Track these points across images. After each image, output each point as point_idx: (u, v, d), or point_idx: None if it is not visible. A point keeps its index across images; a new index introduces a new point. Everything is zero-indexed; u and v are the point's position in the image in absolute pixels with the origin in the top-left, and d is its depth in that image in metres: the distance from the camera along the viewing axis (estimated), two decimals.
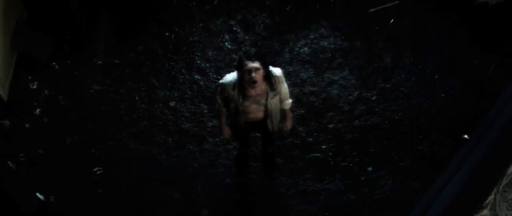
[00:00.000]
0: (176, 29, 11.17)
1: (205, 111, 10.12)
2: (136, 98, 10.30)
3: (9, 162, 9.33)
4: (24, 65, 10.54)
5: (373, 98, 10.22)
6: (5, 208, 8.60)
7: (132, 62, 10.74)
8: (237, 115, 7.97)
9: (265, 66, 7.45)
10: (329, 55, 10.74)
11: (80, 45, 10.90)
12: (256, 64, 7.31)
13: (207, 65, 10.67)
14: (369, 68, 10.57)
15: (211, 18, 11.31)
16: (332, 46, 10.85)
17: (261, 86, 7.60)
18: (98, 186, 9.41)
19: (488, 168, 5.30)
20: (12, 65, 10.44)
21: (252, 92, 7.64)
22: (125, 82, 10.49)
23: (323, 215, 9.16)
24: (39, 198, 9.00)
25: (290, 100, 8.17)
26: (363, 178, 9.42)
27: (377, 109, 10.11)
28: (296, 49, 10.85)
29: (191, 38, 11.05)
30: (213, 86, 10.24)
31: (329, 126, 9.94)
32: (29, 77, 10.46)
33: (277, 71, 7.75)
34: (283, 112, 8.29)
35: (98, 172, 9.52)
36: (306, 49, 10.85)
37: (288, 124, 8.47)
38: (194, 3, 11.54)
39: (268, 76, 7.59)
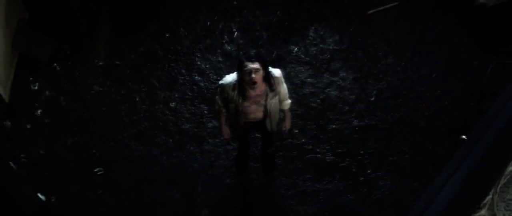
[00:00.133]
0: (177, 31, 11.19)
1: (205, 112, 10.14)
2: (137, 99, 10.33)
3: (10, 162, 9.32)
4: (25, 66, 10.56)
5: (372, 99, 10.25)
6: (6, 209, 8.60)
7: (133, 63, 10.77)
8: (237, 116, 7.99)
9: (265, 67, 7.49)
10: (328, 56, 10.77)
11: (81, 46, 10.93)
12: (256, 65, 7.35)
13: (207, 66, 10.69)
14: (368, 69, 10.61)
15: (211, 20, 11.34)
16: (331, 47, 10.88)
17: (260, 87, 7.63)
18: (99, 187, 9.42)
19: (486, 168, 5.31)
20: (13, 66, 10.45)
21: (252, 93, 7.67)
22: (126, 83, 10.52)
23: (323, 215, 9.17)
24: (40, 199, 9.01)
25: (289, 101, 8.21)
26: (362, 178, 9.44)
27: (376, 110, 10.14)
28: (296, 50, 10.88)
29: (191, 39, 11.08)
30: (213, 87, 10.25)
31: (328, 126, 9.97)
32: (30, 78, 10.48)
33: (276, 72, 7.79)
34: (282, 112, 8.33)
35: (99, 173, 9.54)
36: (305, 50, 10.88)
37: (287, 124, 8.51)
38: (195, 5, 11.57)
39: (268, 77, 7.61)
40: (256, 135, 9.40)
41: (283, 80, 7.93)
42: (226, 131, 8.52)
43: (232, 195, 9.45)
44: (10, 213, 8.62)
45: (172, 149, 9.80)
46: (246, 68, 7.37)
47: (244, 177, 9.56)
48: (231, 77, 7.75)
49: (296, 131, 9.76)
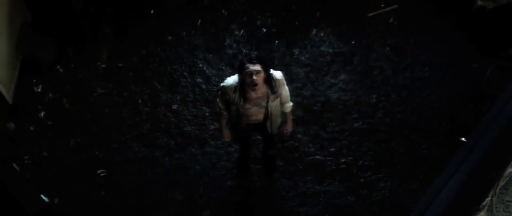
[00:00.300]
0: (179, 33, 11.23)
1: (207, 114, 10.18)
2: (139, 101, 10.36)
3: (14, 164, 9.33)
4: (28, 68, 10.60)
5: (372, 101, 10.29)
6: (10, 210, 8.64)
7: (135, 66, 10.81)
8: (239, 118, 8.02)
9: (266, 69, 7.52)
10: (329, 58, 10.82)
11: (84, 48, 10.96)
12: (257, 67, 7.38)
13: (209, 68, 10.73)
14: (368, 71, 10.64)
15: (213, 22, 11.38)
16: (331, 50, 10.92)
17: (262, 89, 7.66)
18: (101, 188, 9.45)
19: (485, 170, 5.35)
20: (17, 68, 10.48)
21: (253, 94, 7.70)
22: (128, 86, 10.56)
23: None
24: (43, 200, 8.99)
25: (291, 103, 8.23)
26: (362, 180, 9.47)
27: (376, 112, 10.17)
28: (297, 52, 10.92)
29: (193, 42, 11.11)
30: (214, 89, 10.28)
31: (329, 128, 10.00)
32: (34, 80, 10.51)
33: (277, 74, 7.81)
34: (284, 115, 8.35)
35: (101, 174, 9.57)
36: (306, 52, 10.92)
37: (289, 127, 8.54)
38: (197, 8, 11.62)
39: (269, 79, 7.64)
40: (258, 137, 9.43)
41: (284, 82, 7.94)
42: (227, 134, 8.54)
43: (233, 196, 9.46)
44: (13, 214, 8.64)
45: (174, 151, 9.82)
46: (247, 70, 7.39)
47: (246, 178, 9.59)
48: (232, 79, 7.77)
49: (297, 133, 9.77)
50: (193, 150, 9.84)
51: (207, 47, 11.05)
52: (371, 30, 11.22)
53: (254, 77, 7.39)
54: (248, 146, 9.18)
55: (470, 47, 10.84)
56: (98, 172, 9.60)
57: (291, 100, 8.25)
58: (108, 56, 10.89)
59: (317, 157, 9.74)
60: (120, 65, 10.84)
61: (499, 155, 5.44)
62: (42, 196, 9.06)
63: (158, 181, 9.52)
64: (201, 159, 9.75)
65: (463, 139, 9.31)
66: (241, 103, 7.78)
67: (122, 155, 9.80)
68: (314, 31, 11.22)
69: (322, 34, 11.15)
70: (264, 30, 11.28)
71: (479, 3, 10.86)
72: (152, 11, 11.60)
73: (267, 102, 7.86)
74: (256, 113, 8.00)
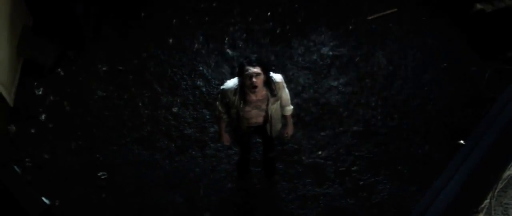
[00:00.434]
0: (179, 36, 11.26)
1: (207, 117, 10.19)
2: (140, 104, 10.38)
3: (15, 166, 9.33)
4: (29, 71, 10.62)
5: (372, 104, 10.31)
6: (11, 212, 8.67)
7: (136, 69, 10.83)
8: (239, 121, 8.04)
9: (266, 72, 7.54)
10: (328, 62, 10.84)
11: (85, 51, 10.98)
12: (256, 70, 7.40)
13: (209, 71, 10.75)
14: (368, 74, 10.67)
15: (213, 26, 11.40)
16: (331, 53, 10.95)
17: (261, 91, 7.68)
18: (102, 191, 9.47)
19: (484, 173, 5.38)
20: (18, 71, 10.51)
21: (253, 97, 7.72)
22: (129, 88, 10.58)
23: None
24: (44, 202, 9.03)
25: (291, 107, 8.24)
26: (361, 182, 9.49)
27: (375, 115, 10.20)
28: (296, 55, 10.94)
29: (194, 45, 11.14)
30: (215, 92, 10.31)
31: (328, 131, 10.02)
32: (35, 83, 10.54)
33: (277, 77, 7.82)
34: (284, 118, 8.36)
35: (102, 177, 9.59)
36: (306, 56, 10.95)
37: (290, 131, 8.54)
38: (197, 11, 11.65)
39: (269, 82, 7.66)
40: (257, 140, 9.45)
41: (284, 85, 7.96)
42: (226, 138, 8.56)
43: (233, 199, 9.48)
44: None
45: (175, 153, 9.84)
46: (247, 72, 7.41)
47: (246, 181, 9.60)
48: (232, 82, 7.79)
49: (297, 136, 9.77)
50: (193, 152, 9.85)
51: (207, 50, 11.07)
52: (371, 33, 11.25)
53: (254, 79, 7.40)
54: (248, 149, 9.19)
55: (469, 50, 10.88)
56: (99, 174, 9.61)
57: (291, 103, 8.25)
58: (109, 59, 10.90)
59: (317, 159, 9.76)
60: (120, 68, 10.86)
61: (497, 158, 5.48)
62: (43, 199, 9.08)
63: (159, 184, 9.53)
64: (201, 162, 9.76)
65: (462, 141, 9.31)
66: (241, 105, 7.80)
67: (123, 158, 9.81)
68: (313, 34, 11.24)
69: (321, 37, 11.18)
70: (264, 33, 11.30)
71: (478, 6, 10.88)
72: (152, 15, 11.62)
73: (267, 105, 7.88)
74: (256, 116, 8.02)
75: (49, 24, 10.72)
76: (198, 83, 10.62)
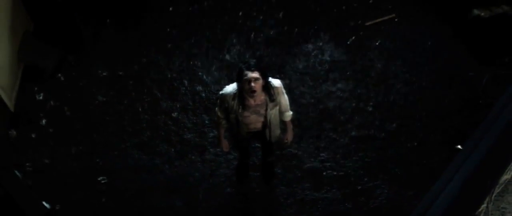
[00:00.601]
0: (179, 42, 11.30)
1: (207, 122, 10.22)
2: (140, 109, 10.42)
3: (16, 171, 9.26)
4: (30, 76, 10.66)
5: (370, 109, 10.35)
6: None
7: (136, 74, 10.88)
8: (238, 126, 8.06)
9: (264, 77, 7.57)
10: (327, 67, 10.88)
11: (85, 57, 11.01)
12: (255, 74, 7.43)
13: (208, 77, 10.79)
14: (366, 80, 10.71)
15: (212, 31, 11.45)
16: (329, 59, 10.99)
17: (260, 96, 7.71)
18: (102, 195, 9.48)
19: (481, 177, 5.39)
20: (19, 76, 10.55)
21: (252, 101, 7.75)
22: (129, 94, 10.62)
23: None
24: (45, 207, 9.01)
25: (291, 112, 8.24)
26: (359, 187, 9.51)
27: (373, 120, 10.22)
28: (295, 61, 10.99)
29: (193, 50, 11.18)
30: (214, 97, 10.32)
31: (327, 136, 10.05)
32: (35, 88, 10.58)
33: (276, 82, 7.85)
34: (283, 124, 8.38)
35: (102, 181, 9.61)
36: (304, 61, 10.99)
37: (289, 137, 8.54)
38: (196, 17, 11.69)
39: (268, 87, 7.69)
40: (256, 145, 9.46)
41: (283, 90, 7.98)
42: (225, 144, 8.59)
43: (232, 203, 9.50)
44: None
45: (174, 158, 9.87)
46: (245, 77, 7.44)
47: (244, 185, 9.62)
48: (231, 87, 7.82)
49: (295, 141, 9.75)
50: (193, 157, 9.88)
51: (207, 55, 11.11)
52: (369, 39, 11.29)
53: (252, 84, 7.43)
54: (247, 154, 9.22)
55: (466, 56, 10.91)
56: (99, 179, 9.64)
57: (290, 108, 8.26)
58: (109, 64, 10.93)
59: (315, 164, 9.78)
60: (120, 73, 10.89)
61: (495, 162, 5.47)
62: (44, 203, 9.05)
63: (158, 188, 9.54)
64: (201, 166, 9.78)
65: (459, 146, 9.30)
66: (240, 110, 7.82)
67: (123, 163, 9.83)
68: (312, 40, 11.28)
69: (320, 43, 11.22)
70: (263, 39, 11.34)
71: (475, 12, 10.93)
72: (152, 20, 11.66)
73: (266, 110, 7.89)
74: (255, 121, 8.05)
75: (50, 30, 10.77)
76: (197, 88, 10.66)
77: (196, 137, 10.09)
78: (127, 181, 9.63)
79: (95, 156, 9.91)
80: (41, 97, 10.51)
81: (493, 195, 5.43)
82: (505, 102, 6.23)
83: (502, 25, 10.77)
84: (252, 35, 11.40)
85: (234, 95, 7.75)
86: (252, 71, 7.46)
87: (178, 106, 10.45)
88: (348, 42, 11.24)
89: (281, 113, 8.14)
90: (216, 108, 8.12)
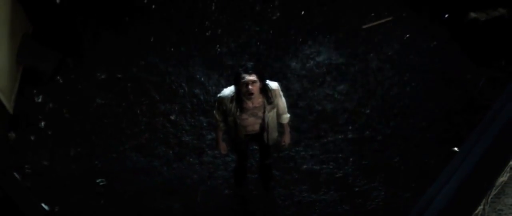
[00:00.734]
0: (177, 45, 11.34)
1: (205, 124, 10.25)
2: (138, 112, 10.45)
3: (15, 173, 9.34)
4: (29, 79, 10.70)
5: (367, 111, 10.38)
6: None
7: (134, 77, 10.91)
8: (236, 129, 8.09)
9: (262, 79, 7.59)
10: (324, 69, 10.92)
11: (84, 59, 11.05)
12: (252, 77, 7.46)
13: (206, 79, 10.82)
14: (363, 82, 10.74)
15: (211, 34, 11.49)
16: (327, 61, 11.03)
17: (258, 98, 7.73)
18: (101, 197, 9.50)
19: (477, 179, 5.42)
20: (18, 79, 10.58)
21: (249, 104, 7.77)
22: (127, 96, 10.65)
23: None
24: (44, 209, 9.06)
25: (288, 115, 8.27)
26: (357, 189, 9.52)
27: (370, 122, 10.25)
28: (293, 64, 11.02)
29: (191, 53, 11.22)
30: (212, 100, 10.32)
31: (324, 138, 10.07)
32: (34, 91, 10.62)
33: (274, 84, 7.88)
34: (281, 126, 8.41)
35: (101, 183, 9.63)
36: (302, 64, 11.02)
37: (287, 139, 8.57)
38: (195, 20, 11.73)
39: (265, 89, 7.71)
40: (254, 147, 9.49)
41: (281, 93, 8.01)
42: (223, 147, 8.61)
43: (230, 205, 9.52)
44: None
45: (172, 160, 9.89)
46: (243, 80, 7.47)
47: (242, 188, 9.63)
48: (229, 90, 7.85)
49: (293, 143, 9.72)
50: (191, 159, 9.90)
51: (205, 58, 11.15)
52: (366, 41, 11.33)
53: (250, 87, 7.46)
54: (245, 156, 9.21)
55: (463, 58, 10.93)
56: (98, 181, 9.66)
57: (287, 111, 8.28)
58: (108, 67, 10.97)
59: (313, 166, 9.79)
60: (119, 76, 10.93)
61: (491, 164, 5.51)
62: (43, 205, 9.11)
63: (157, 190, 9.56)
64: (199, 169, 9.80)
65: (455, 148, 9.32)
66: (238, 113, 7.84)
67: (121, 165, 9.85)
68: (309, 43, 11.32)
69: (317, 46, 11.26)
70: (261, 42, 11.39)
71: (472, 15, 10.98)
72: (151, 23, 11.70)
73: (264, 112, 7.91)
74: (253, 124, 8.07)
75: (49, 33, 10.81)
76: (195, 91, 10.69)
77: (194, 140, 10.12)
78: (125, 183, 9.65)
79: (93, 158, 9.93)
80: (40, 100, 10.55)
81: (490, 197, 5.46)
82: (502, 104, 6.26)
83: (498, 28, 10.82)
84: (250, 38, 11.45)
85: (232, 98, 7.78)
86: (250, 74, 7.49)
87: (176, 108, 10.48)
88: (346, 45, 11.28)
89: (278, 115, 8.16)
90: (214, 111, 8.15)
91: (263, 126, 8.13)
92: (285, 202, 9.47)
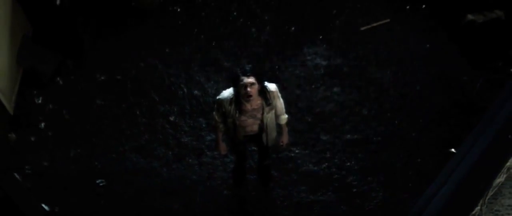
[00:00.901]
0: (177, 46, 11.36)
1: (204, 125, 10.27)
2: (138, 113, 10.47)
3: (15, 174, 9.36)
4: (29, 80, 10.72)
5: (365, 112, 10.40)
6: None
7: (134, 78, 10.93)
8: (236, 130, 8.13)
9: (260, 81, 7.64)
10: (322, 71, 10.95)
11: (83, 61, 11.08)
12: (251, 79, 7.51)
13: (205, 81, 10.86)
14: (361, 84, 10.78)
15: (210, 36, 11.52)
16: (325, 63, 11.06)
17: (256, 100, 7.77)
18: (101, 198, 9.52)
19: (475, 180, 5.47)
20: (18, 80, 10.60)
21: (248, 106, 7.82)
22: (127, 97, 10.67)
23: None
24: (44, 209, 9.08)
25: (286, 116, 8.32)
26: (355, 190, 9.54)
27: (368, 123, 10.28)
28: (291, 65, 11.05)
29: (190, 55, 11.25)
30: (211, 101, 10.34)
31: (322, 140, 10.09)
32: (34, 92, 10.63)
33: (272, 86, 7.92)
34: (279, 127, 8.46)
35: (101, 184, 9.64)
36: (300, 65, 11.06)
37: (285, 140, 8.62)
38: (195, 22, 11.76)
39: (263, 91, 7.77)
40: (253, 148, 9.54)
41: (279, 94, 8.05)
42: (223, 148, 8.64)
43: (229, 206, 9.52)
44: None
45: (172, 161, 9.90)
46: (241, 82, 7.52)
47: (241, 188, 9.64)
48: (228, 92, 7.89)
49: (291, 144, 9.77)
50: (190, 160, 9.92)
51: (204, 60, 11.18)
52: (364, 43, 11.36)
53: (248, 89, 7.51)
54: (244, 157, 9.24)
55: (460, 60, 10.96)
56: (98, 182, 9.67)
57: (286, 112, 8.33)
58: (107, 68, 11.00)
59: (311, 167, 9.81)
60: (118, 77, 10.96)
61: (488, 166, 5.56)
62: (43, 205, 9.12)
63: (156, 191, 9.57)
64: (198, 169, 9.82)
65: (453, 150, 9.39)
66: (237, 115, 7.88)
67: (121, 165, 9.87)
68: (308, 45, 11.35)
69: (315, 48, 11.30)
70: (260, 44, 11.43)
71: (469, 17, 11.01)
72: (150, 25, 11.73)
73: (262, 114, 7.96)
74: (251, 125, 8.11)
75: (49, 34, 10.81)
76: (194, 92, 10.72)
77: (193, 141, 10.14)
78: (125, 184, 9.66)
79: (93, 159, 9.94)
80: (40, 101, 10.57)
81: (487, 198, 5.51)
82: (499, 106, 6.31)
83: (495, 30, 10.86)
84: (248, 40, 11.49)
85: (231, 100, 7.82)
86: (248, 76, 7.54)
87: (175, 110, 10.50)
88: (343, 47, 11.31)
89: (277, 116, 8.21)
90: (214, 113, 8.18)
91: (262, 127, 8.17)
92: (284, 203, 9.48)
